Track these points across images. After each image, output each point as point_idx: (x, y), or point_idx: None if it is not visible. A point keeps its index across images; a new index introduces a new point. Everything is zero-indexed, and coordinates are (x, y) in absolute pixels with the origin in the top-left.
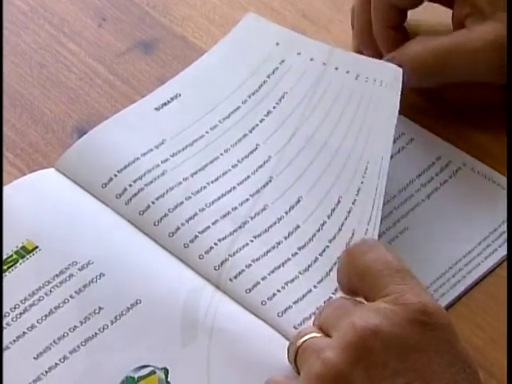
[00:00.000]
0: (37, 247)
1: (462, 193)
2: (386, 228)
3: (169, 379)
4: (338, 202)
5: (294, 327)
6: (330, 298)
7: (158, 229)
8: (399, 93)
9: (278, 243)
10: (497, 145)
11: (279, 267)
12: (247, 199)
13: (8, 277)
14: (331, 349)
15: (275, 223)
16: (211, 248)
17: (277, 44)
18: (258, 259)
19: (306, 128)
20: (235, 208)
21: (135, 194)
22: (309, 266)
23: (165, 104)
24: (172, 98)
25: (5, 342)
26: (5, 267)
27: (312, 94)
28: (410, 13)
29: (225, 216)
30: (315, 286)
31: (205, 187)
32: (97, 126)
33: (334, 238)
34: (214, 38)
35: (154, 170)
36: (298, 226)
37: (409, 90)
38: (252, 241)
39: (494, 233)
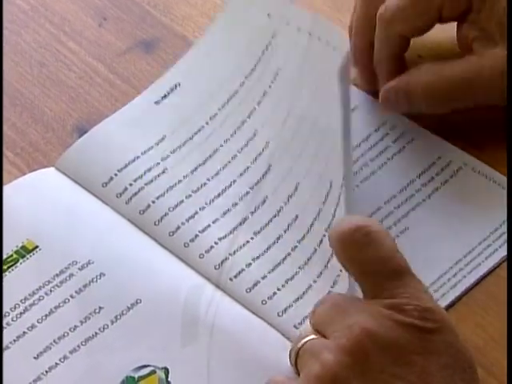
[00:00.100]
0: (37, 247)
1: (462, 193)
2: (386, 228)
3: (169, 379)
4: (330, 186)
5: (295, 326)
6: (330, 292)
7: (159, 228)
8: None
9: (278, 238)
10: (497, 145)
11: (279, 264)
12: (247, 192)
13: (8, 276)
14: (329, 351)
15: (275, 216)
16: (211, 247)
17: (268, 15)
18: (258, 257)
19: (298, 107)
20: (235, 204)
21: (135, 194)
22: (308, 260)
23: (165, 96)
24: (171, 89)
25: (5, 342)
26: (5, 267)
27: (301, 70)
28: None
29: (225, 213)
30: (315, 281)
31: (205, 184)
32: (97, 125)
33: (329, 226)
34: None
35: (154, 169)
36: (297, 217)
37: None
38: (252, 238)
39: (495, 233)
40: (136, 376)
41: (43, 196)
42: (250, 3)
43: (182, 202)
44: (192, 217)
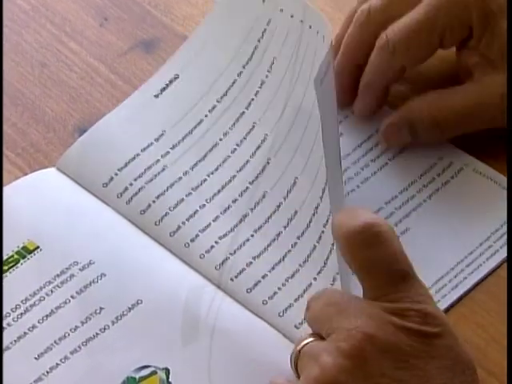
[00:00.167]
0: (38, 247)
1: (463, 193)
2: None
3: (170, 379)
4: (327, 180)
5: (295, 326)
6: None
7: (159, 228)
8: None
9: (278, 234)
10: (498, 146)
11: (280, 262)
12: (247, 188)
13: (9, 277)
14: (328, 354)
15: (275, 212)
16: (212, 247)
17: (263, 1)
18: (258, 256)
19: (294, 97)
20: (235, 200)
21: (136, 193)
22: (308, 256)
23: (164, 89)
24: (170, 81)
25: (6, 343)
26: (6, 267)
27: (295, 59)
28: None
29: (225, 211)
30: (315, 278)
31: (205, 180)
32: (97, 123)
33: (327, 221)
34: None
35: (154, 166)
36: (296, 212)
37: (410, 92)
38: (253, 235)
39: (496, 233)
40: (137, 376)
41: (44, 196)
42: None
43: (182, 200)
44: (192, 216)
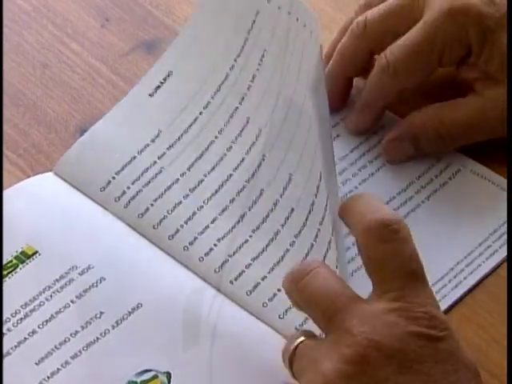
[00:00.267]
0: (36, 252)
1: (461, 194)
2: None
3: (171, 383)
4: (320, 178)
5: (296, 328)
6: None
7: (158, 232)
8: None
9: (276, 233)
10: (495, 147)
11: (279, 262)
12: (244, 186)
13: (8, 282)
14: (330, 360)
15: (272, 210)
16: (211, 249)
17: None
18: (257, 257)
19: (285, 91)
20: (233, 200)
21: (133, 197)
22: (306, 255)
23: (158, 87)
24: (164, 79)
25: (6, 348)
26: (5, 272)
27: (284, 52)
28: None
29: (223, 211)
30: None
31: (202, 181)
32: (92, 126)
33: (323, 219)
34: None
35: (151, 169)
36: (293, 210)
37: (410, 93)
38: (251, 236)
39: (495, 234)
40: (138, 381)
41: (42, 201)
42: None
43: (179, 203)
44: (190, 218)
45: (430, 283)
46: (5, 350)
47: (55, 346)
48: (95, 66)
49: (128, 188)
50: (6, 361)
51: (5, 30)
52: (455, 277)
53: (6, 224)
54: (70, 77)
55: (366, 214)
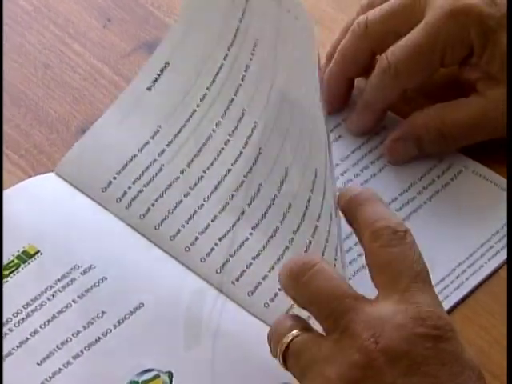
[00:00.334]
0: (38, 251)
1: (463, 195)
2: None
3: (173, 383)
4: (315, 175)
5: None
6: None
7: (159, 232)
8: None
9: (275, 230)
10: (497, 148)
11: (279, 260)
12: (242, 182)
13: (10, 282)
14: (335, 364)
15: (270, 206)
16: (212, 249)
17: None
18: (257, 255)
19: (278, 82)
20: (232, 196)
21: (134, 198)
22: (305, 252)
23: (155, 80)
24: (161, 70)
25: (8, 348)
26: (6, 272)
27: (276, 42)
28: None
29: (223, 209)
30: None
31: (202, 177)
32: (92, 126)
33: (319, 216)
34: None
35: (151, 167)
36: (290, 205)
37: (412, 93)
38: (251, 234)
39: (497, 235)
40: (140, 380)
41: (44, 201)
42: None
43: (180, 202)
44: (191, 218)
45: (433, 284)
46: (6, 351)
47: (57, 346)
48: (97, 66)
49: (129, 188)
50: (7, 361)
51: (6, 30)
52: (457, 278)
53: (8, 224)
54: (71, 77)
55: (373, 221)
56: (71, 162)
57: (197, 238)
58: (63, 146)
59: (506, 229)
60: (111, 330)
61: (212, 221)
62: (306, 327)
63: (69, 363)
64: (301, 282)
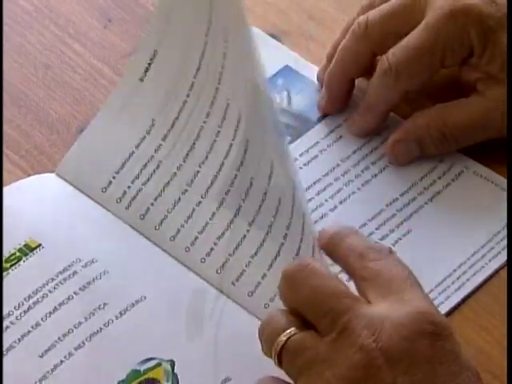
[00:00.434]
0: (40, 245)
1: (464, 196)
2: (389, 230)
3: (175, 371)
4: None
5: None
6: None
7: (160, 233)
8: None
9: (270, 226)
10: (497, 148)
11: (276, 258)
12: (236, 176)
13: (11, 274)
14: (333, 365)
15: (263, 201)
16: (211, 249)
17: None
18: (256, 253)
19: (249, 72)
20: (228, 191)
21: (134, 197)
22: (298, 249)
23: (147, 70)
24: (151, 59)
25: (10, 341)
26: (8, 265)
27: (243, 31)
28: None
29: (220, 205)
30: None
31: (197, 172)
32: (89, 124)
33: (305, 213)
34: None
35: (149, 164)
36: (280, 200)
37: (412, 93)
38: (248, 231)
39: (498, 235)
40: (142, 369)
41: (45, 198)
42: None
43: (179, 200)
44: (190, 216)
45: (433, 284)
46: (8, 344)
47: (59, 338)
48: (97, 66)
49: (128, 188)
50: (10, 354)
51: (7, 30)
52: (458, 278)
53: (9, 218)
54: (71, 77)
55: (357, 246)
56: (71, 162)
57: (196, 238)
58: (64, 147)
59: (506, 230)
60: (113, 321)
61: (210, 219)
62: (301, 325)
63: (70, 355)
64: (296, 284)
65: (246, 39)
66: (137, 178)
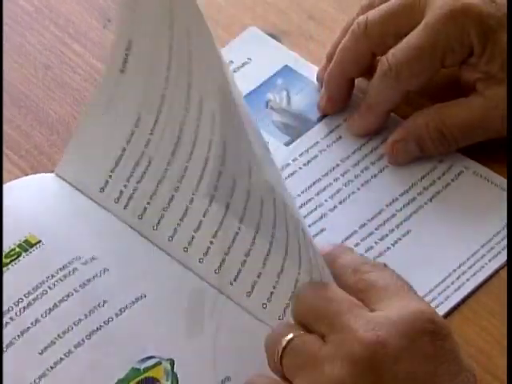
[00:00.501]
0: (40, 241)
1: (464, 196)
2: (388, 230)
3: (175, 370)
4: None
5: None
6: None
7: (158, 233)
8: None
9: (258, 223)
10: (497, 148)
11: (268, 255)
12: (220, 172)
13: (11, 270)
14: (334, 361)
15: (248, 198)
16: (208, 248)
17: None
18: (248, 252)
19: (215, 72)
20: (216, 187)
21: (131, 197)
22: (286, 249)
23: (125, 60)
24: (128, 49)
25: (9, 338)
26: (7, 260)
27: (198, 31)
28: None
29: (211, 202)
30: (299, 273)
31: (186, 168)
32: (78, 123)
33: (287, 208)
34: (219, 38)
35: (141, 161)
36: (262, 199)
37: (412, 93)
38: (240, 228)
39: (498, 235)
40: (141, 367)
41: (45, 196)
42: None
43: (172, 197)
44: (185, 215)
45: (433, 284)
46: (8, 340)
47: (58, 335)
48: (97, 66)
49: (125, 187)
50: (9, 351)
51: (6, 30)
52: (458, 278)
53: (9, 213)
54: (71, 78)
55: (351, 261)
56: (68, 162)
57: (193, 238)
58: (63, 147)
59: (506, 230)
60: (113, 319)
61: (204, 216)
62: (303, 331)
63: (70, 352)
64: (300, 301)
65: (207, 39)
66: (131, 176)
